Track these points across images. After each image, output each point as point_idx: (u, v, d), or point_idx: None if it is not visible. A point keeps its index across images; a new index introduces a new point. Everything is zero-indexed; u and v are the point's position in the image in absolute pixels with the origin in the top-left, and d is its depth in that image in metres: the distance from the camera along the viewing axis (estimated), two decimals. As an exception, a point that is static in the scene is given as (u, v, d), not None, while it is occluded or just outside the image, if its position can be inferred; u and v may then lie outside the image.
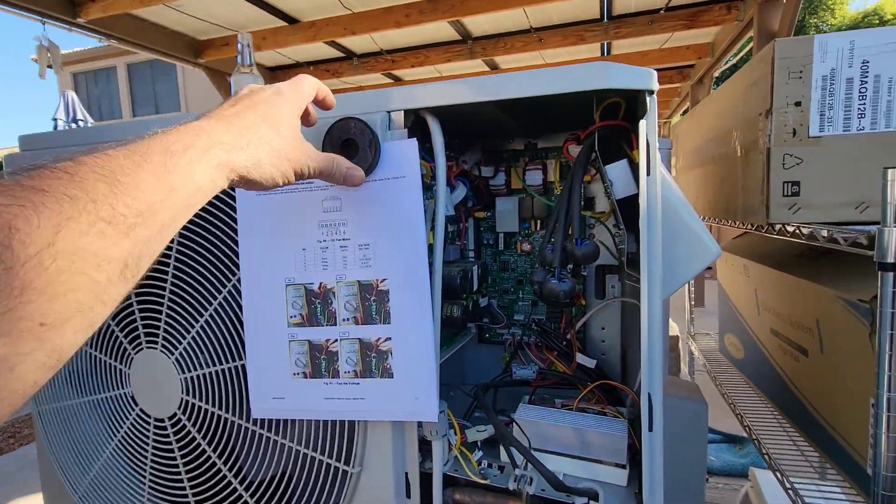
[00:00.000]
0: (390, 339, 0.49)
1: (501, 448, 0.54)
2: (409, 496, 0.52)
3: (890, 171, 0.52)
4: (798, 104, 0.69)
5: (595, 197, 0.67)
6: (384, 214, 0.47)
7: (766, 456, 0.93)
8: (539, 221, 0.69)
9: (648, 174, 0.44)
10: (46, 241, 0.23)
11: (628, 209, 0.52)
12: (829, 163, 0.69)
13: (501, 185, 0.67)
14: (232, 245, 0.53)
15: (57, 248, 0.23)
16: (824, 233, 0.68)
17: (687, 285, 1.78)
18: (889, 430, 0.54)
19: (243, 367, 0.54)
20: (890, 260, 0.53)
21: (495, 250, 0.72)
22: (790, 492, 0.80)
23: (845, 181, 0.69)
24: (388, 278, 0.48)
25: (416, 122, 0.51)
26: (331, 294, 0.50)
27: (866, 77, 0.66)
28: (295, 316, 0.51)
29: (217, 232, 0.54)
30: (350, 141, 0.46)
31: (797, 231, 0.76)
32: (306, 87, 0.42)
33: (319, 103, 0.44)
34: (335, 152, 0.46)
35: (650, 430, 0.46)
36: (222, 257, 0.54)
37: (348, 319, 0.50)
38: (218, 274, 0.54)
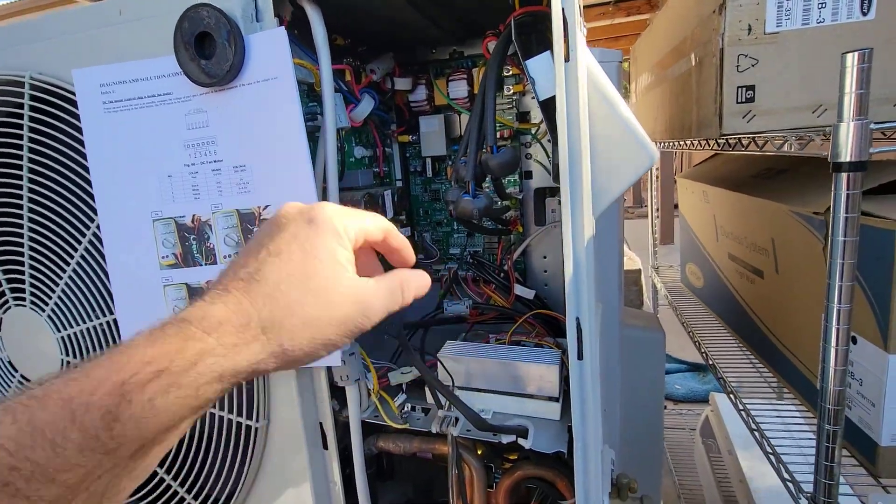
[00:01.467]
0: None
1: (427, 390, 0.49)
2: (325, 447, 0.47)
3: (849, 55, 0.46)
4: (754, -5, 0.62)
5: (531, 111, 0.59)
6: (258, 127, 0.39)
7: (720, 380, 0.92)
8: (470, 142, 0.61)
9: (567, 60, 0.37)
10: None
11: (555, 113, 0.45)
12: (786, 62, 0.63)
13: (423, 102, 0.58)
14: (87, 176, 0.44)
15: None
16: (777, 140, 0.62)
17: (650, 220, 1.75)
18: (838, 344, 0.51)
19: (126, 320, 0.46)
20: (844, 159, 0.48)
21: (424, 178, 0.64)
22: (742, 412, 0.79)
23: (802, 82, 0.63)
24: (270, 205, 0.40)
25: (295, 17, 0.42)
26: (207, 227, 0.41)
27: (828, -41, 0.59)
28: (167, 256, 0.42)
29: (71, 162, 0.45)
30: (205, 36, 0.37)
31: (752, 143, 0.70)
32: (368, 223, 0.30)
33: (388, 253, 0.32)
34: (188, 50, 0.37)
35: (579, 357, 0.41)
36: (80, 192, 0.45)
37: (230, 256, 0.42)
38: (79, 213, 0.46)
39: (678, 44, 0.87)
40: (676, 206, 1.46)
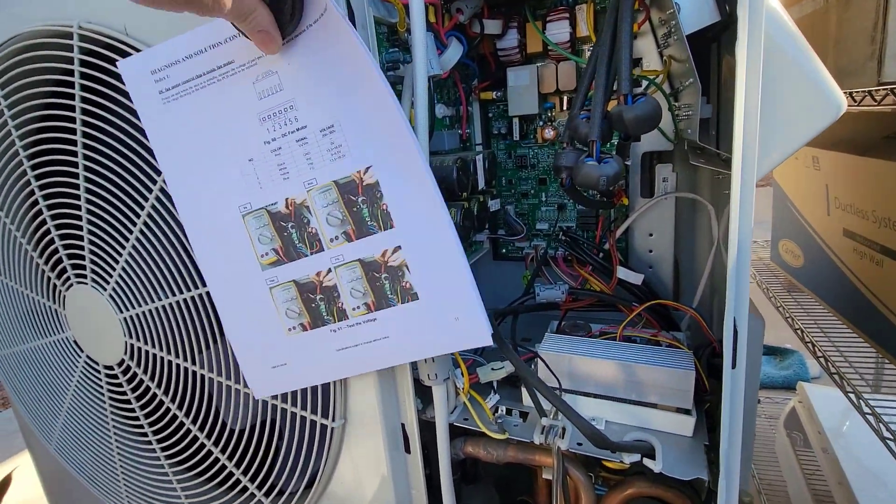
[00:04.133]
0: (400, 247, 0.35)
1: (524, 390, 0.43)
2: (408, 450, 0.42)
3: None
4: None
5: (642, 58, 0.49)
6: (333, 75, 0.32)
7: (835, 375, 0.80)
8: (568, 98, 0.52)
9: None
10: None
11: (702, 53, 0.35)
12: (981, -13, 0.49)
13: (514, 49, 0.49)
14: (144, 141, 0.39)
15: None
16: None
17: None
18: None
19: (193, 299, 0.42)
20: None
21: (509, 142, 0.56)
22: (869, 416, 0.67)
23: None
24: (371, 165, 0.34)
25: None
26: (304, 210, 0.36)
27: None
28: (267, 254, 0.37)
29: (127, 125, 0.39)
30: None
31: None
32: None
33: None
34: None
35: (733, 366, 0.33)
36: (137, 159, 0.40)
37: (337, 238, 0.36)
38: (136, 182, 0.41)
39: (810, -24, 0.72)
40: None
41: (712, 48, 0.43)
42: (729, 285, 0.31)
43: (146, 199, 0.41)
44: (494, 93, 0.53)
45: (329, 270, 0.37)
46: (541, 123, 0.53)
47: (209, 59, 0.34)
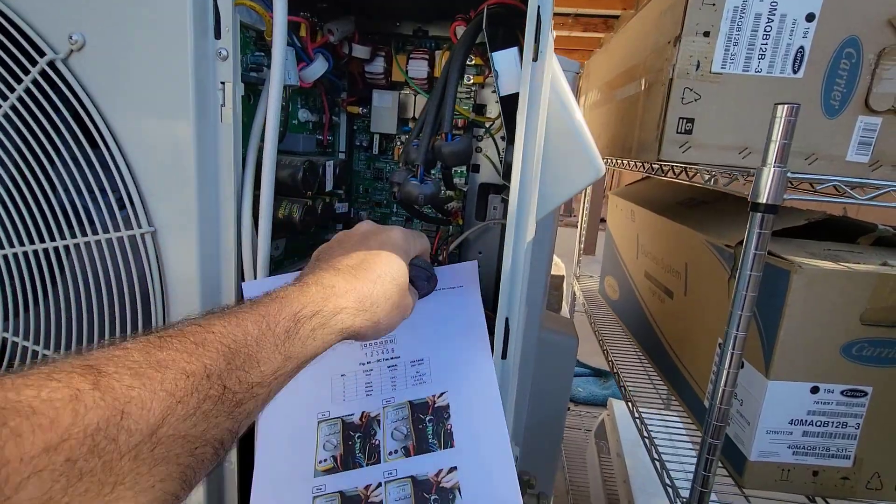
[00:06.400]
0: (456, 468, 0.37)
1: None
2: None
3: (780, 106, 0.50)
4: (707, 34, 0.65)
5: (487, 105, 0.58)
6: (440, 325, 0.41)
7: (622, 388, 0.98)
8: (422, 126, 0.59)
9: (535, 59, 0.36)
10: (151, 429, 0.21)
11: (514, 110, 0.44)
12: (724, 103, 0.67)
13: (380, 75, 0.56)
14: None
15: (159, 436, 0.22)
16: (706, 174, 0.67)
17: (578, 230, 1.83)
18: (731, 367, 0.56)
19: (9, 257, 0.40)
20: (762, 200, 0.52)
21: (369, 155, 0.62)
22: (637, 420, 0.85)
23: (734, 124, 0.67)
24: (447, 391, 0.39)
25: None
26: (374, 423, 0.39)
27: (773, 14, 0.63)
28: (326, 460, 0.38)
29: None
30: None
31: (683, 172, 0.75)
32: (426, 243, 0.42)
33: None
34: None
35: (503, 357, 0.41)
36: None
37: (396, 452, 0.38)
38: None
39: (630, 67, 0.90)
40: (602, 220, 1.54)
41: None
42: (501, 291, 0.39)
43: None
44: (360, 108, 0.59)
45: (379, 485, 0.37)
46: (398, 143, 0.60)
47: None
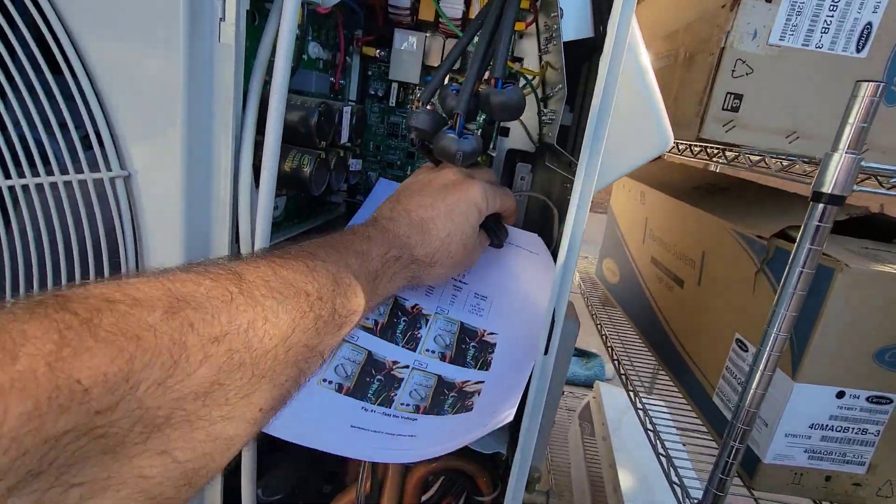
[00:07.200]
0: (483, 382, 0.39)
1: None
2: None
3: (862, 84, 0.44)
4: (769, 0, 0.58)
5: (524, 58, 0.51)
6: (512, 279, 0.43)
7: (622, 376, 0.95)
8: (449, 77, 0.51)
9: (624, 10, 0.29)
10: (284, 336, 0.25)
11: (574, 62, 0.37)
12: (777, 80, 0.61)
13: (406, 11, 0.47)
14: None
15: (289, 342, 0.25)
16: (754, 158, 0.61)
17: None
18: (766, 369, 0.52)
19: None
20: (826, 189, 0.47)
21: (384, 106, 0.54)
22: (640, 411, 0.81)
23: (785, 104, 0.61)
24: (499, 333, 0.41)
25: None
26: (423, 320, 0.41)
27: (844, -17, 0.56)
28: (368, 320, 0.40)
29: None
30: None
31: (721, 153, 0.69)
32: (509, 202, 0.43)
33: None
34: None
35: (545, 352, 0.35)
36: None
37: (434, 352, 0.40)
38: None
39: (669, 33, 0.83)
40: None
41: (584, 66, 0.46)
42: (554, 280, 0.33)
43: None
44: (378, 51, 0.50)
45: (407, 366, 0.39)
46: (419, 95, 0.52)
47: None
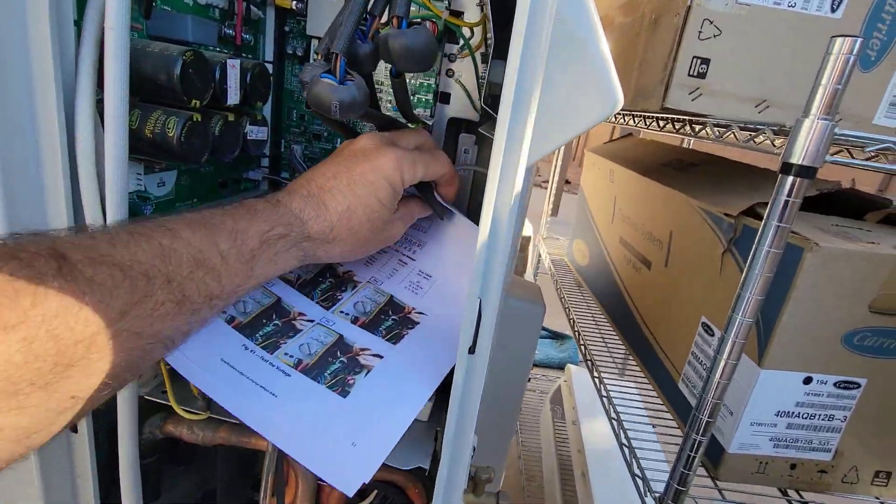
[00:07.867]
0: (381, 357, 0.35)
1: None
2: (74, 430, 0.31)
3: (837, 39, 0.39)
4: (738, -48, 0.53)
5: (464, 12, 0.44)
6: (469, 261, 0.33)
7: (588, 361, 0.91)
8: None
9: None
10: (107, 323, 0.23)
11: (506, 13, 0.31)
12: (746, 42, 0.56)
13: (322, -49, 0.40)
14: None
15: (115, 329, 0.23)
16: (719, 131, 0.56)
17: (549, 190, 1.73)
18: (730, 357, 0.48)
19: None
20: (796, 160, 0.42)
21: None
22: (604, 399, 0.78)
23: (754, 69, 0.56)
24: (427, 314, 0.39)
25: None
26: (351, 285, 0.40)
27: (820, -68, 0.51)
28: (292, 273, 0.38)
29: None
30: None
31: (687, 125, 0.64)
32: (438, 168, 0.38)
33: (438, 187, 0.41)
34: None
35: (470, 351, 0.30)
36: None
37: (347, 315, 0.38)
38: None
39: (634, -3, 0.77)
40: (567, 182, 1.44)
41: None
42: (476, 263, 0.27)
43: None
44: (294, 1, 0.43)
45: (311, 321, 0.36)
46: (318, 45, 0.46)
47: None
